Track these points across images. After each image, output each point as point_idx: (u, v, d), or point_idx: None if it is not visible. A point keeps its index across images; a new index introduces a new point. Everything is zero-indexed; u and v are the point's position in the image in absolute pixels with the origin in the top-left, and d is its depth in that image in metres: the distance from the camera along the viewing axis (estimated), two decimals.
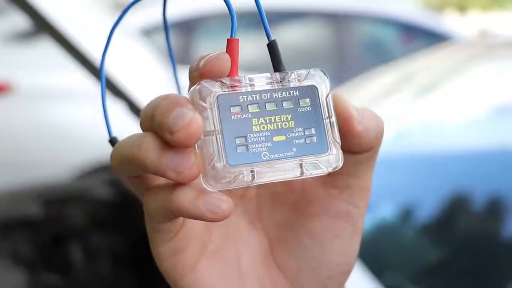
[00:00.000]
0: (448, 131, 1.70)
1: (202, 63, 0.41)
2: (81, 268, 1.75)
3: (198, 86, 0.41)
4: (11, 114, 3.26)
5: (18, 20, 3.28)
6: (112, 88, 1.19)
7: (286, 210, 0.50)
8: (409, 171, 1.57)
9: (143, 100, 1.19)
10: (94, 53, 1.13)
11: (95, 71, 1.17)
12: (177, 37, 3.97)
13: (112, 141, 0.47)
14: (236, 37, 0.42)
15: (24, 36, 3.74)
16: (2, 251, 1.66)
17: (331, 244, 0.48)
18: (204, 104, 0.40)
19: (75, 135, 3.18)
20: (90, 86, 1.47)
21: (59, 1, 1.14)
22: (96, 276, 1.75)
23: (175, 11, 3.81)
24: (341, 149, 0.43)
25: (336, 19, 4.07)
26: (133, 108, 1.23)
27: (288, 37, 4.19)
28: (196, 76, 0.41)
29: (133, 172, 0.43)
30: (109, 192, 1.80)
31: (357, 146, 0.45)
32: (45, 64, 3.33)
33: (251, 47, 3.69)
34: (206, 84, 0.41)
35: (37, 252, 1.72)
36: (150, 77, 1.25)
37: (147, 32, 3.38)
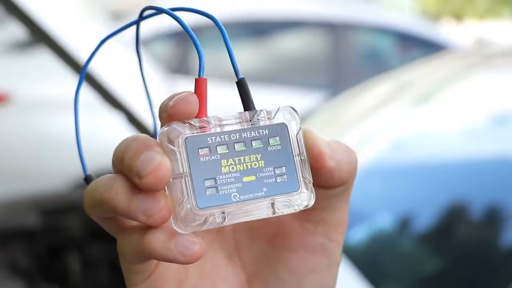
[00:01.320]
0: (445, 140, 1.70)
1: (170, 103, 0.41)
2: (79, 278, 1.74)
3: (166, 128, 0.41)
4: (8, 123, 3.26)
5: (15, 30, 3.28)
6: (110, 99, 1.19)
7: (263, 244, 0.49)
8: (407, 180, 1.57)
9: (141, 111, 1.19)
10: (91, 64, 1.13)
11: (92, 81, 1.17)
12: (174, 47, 3.97)
13: (87, 179, 0.47)
14: (204, 77, 0.42)
15: (22, 46, 3.74)
16: (0, 261, 1.66)
17: (308, 278, 0.48)
18: (172, 147, 0.40)
19: (72, 144, 3.17)
20: (87, 96, 1.47)
21: (56, 12, 1.14)
22: (94, 286, 1.75)
23: (173, 21, 3.81)
24: (314, 184, 0.43)
25: (333, 29, 4.08)
26: (132, 119, 1.22)
27: (286, 46, 4.19)
28: (165, 117, 0.41)
29: (105, 214, 0.43)
30: None
31: (329, 181, 0.45)
32: (42, 74, 3.33)
33: (248, 55, 3.69)
34: (174, 125, 0.41)
35: (35, 262, 1.72)
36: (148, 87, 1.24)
37: (145, 42, 3.38)
